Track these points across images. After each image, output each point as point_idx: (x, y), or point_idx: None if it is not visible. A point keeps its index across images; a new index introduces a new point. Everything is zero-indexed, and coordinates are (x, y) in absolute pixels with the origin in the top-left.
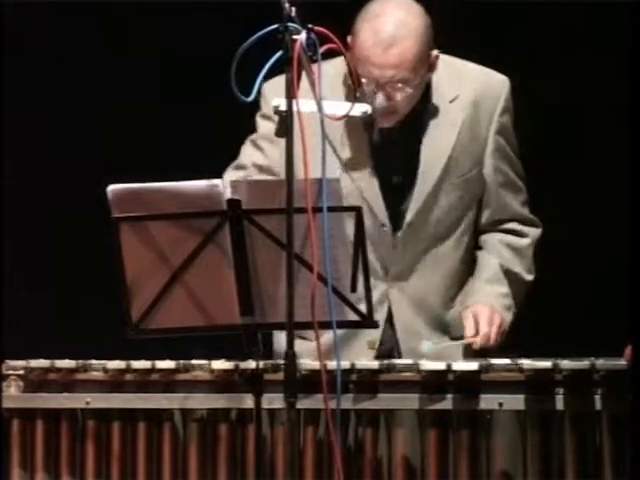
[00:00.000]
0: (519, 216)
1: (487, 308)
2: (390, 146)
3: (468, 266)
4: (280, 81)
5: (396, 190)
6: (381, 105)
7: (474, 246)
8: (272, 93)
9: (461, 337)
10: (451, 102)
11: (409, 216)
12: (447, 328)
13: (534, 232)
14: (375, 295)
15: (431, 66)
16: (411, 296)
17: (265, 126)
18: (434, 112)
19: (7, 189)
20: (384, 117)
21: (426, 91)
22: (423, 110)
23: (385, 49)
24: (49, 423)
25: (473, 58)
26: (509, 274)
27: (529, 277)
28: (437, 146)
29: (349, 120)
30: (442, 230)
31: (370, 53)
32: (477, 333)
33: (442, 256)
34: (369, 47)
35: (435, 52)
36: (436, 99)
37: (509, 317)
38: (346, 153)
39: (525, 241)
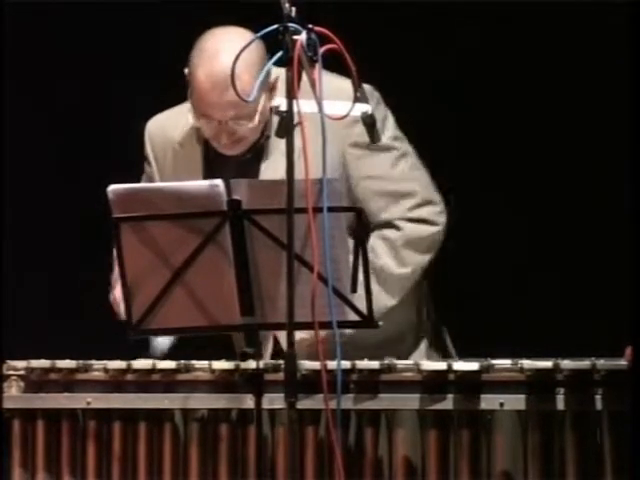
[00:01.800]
0: (400, 219)
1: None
2: (223, 165)
3: None
4: (154, 122)
5: None
6: (226, 141)
7: None
8: (147, 134)
9: None
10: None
11: None
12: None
13: (417, 228)
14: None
15: (272, 89)
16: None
17: (146, 169)
18: (272, 144)
19: (7, 189)
20: (229, 148)
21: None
22: (261, 142)
23: (223, 90)
24: (50, 423)
25: (472, 59)
26: (373, 267)
27: (400, 270)
28: (277, 173)
29: (188, 133)
30: None
31: (209, 96)
32: None
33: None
34: (207, 90)
35: (274, 77)
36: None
37: None
38: (179, 166)
39: (398, 233)
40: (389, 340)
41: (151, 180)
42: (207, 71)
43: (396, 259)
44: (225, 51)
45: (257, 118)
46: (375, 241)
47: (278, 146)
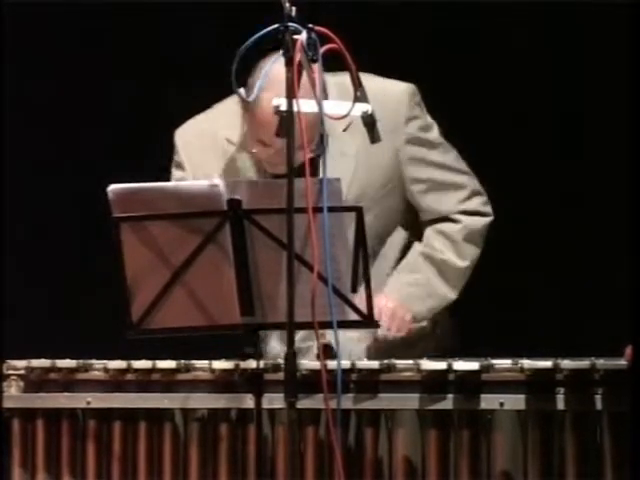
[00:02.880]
0: (455, 213)
1: (381, 299)
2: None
3: None
4: (188, 128)
5: None
6: (282, 166)
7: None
8: (181, 140)
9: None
10: (344, 130)
11: None
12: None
13: (473, 220)
14: None
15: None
16: None
17: (176, 175)
18: (326, 144)
19: (7, 189)
20: (277, 167)
21: None
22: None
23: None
24: (50, 423)
25: (472, 59)
26: (433, 261)
27: (460, 262)
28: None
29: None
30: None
31: (269, 123)
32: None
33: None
34: (272, 120)
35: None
36: (328, 129)
37: (417, 304)
38: (230, 163)
39: (457, 226)
40: (424, 336)
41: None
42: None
43: (457, 253)
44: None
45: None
46: (432, 235)
47: (330, 148)
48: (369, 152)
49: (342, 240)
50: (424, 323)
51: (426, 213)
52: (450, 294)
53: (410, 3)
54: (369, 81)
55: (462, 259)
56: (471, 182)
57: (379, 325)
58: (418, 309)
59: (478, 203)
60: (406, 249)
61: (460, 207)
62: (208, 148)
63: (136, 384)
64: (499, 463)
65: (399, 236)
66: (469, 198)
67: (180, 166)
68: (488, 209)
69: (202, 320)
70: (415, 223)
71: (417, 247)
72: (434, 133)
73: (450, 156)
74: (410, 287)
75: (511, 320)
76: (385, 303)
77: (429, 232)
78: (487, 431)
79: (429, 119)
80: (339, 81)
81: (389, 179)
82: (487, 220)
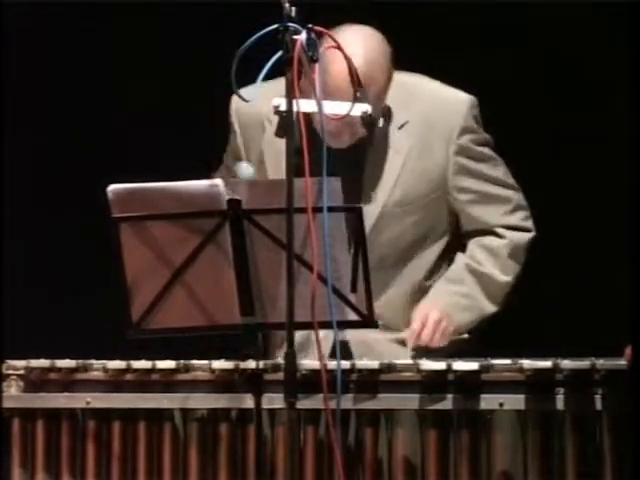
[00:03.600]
0: (499, 226)
1: (427, 307)
2: (329, 168)
3: (437, 277)
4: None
5: None
6: (347, 137)
7: (447, 258)
8: (234, 105)
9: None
10: (400, 128)
11: None
12: (403, 340)
13: (517, 235)
14: None
15: (388, 88)
16: None
17: (231, 140)
18: (378, 138)
19: (7, 189)
20: (336, 138)
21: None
22: (367, 135)
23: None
24: (49, 423)
25: (472, 59)
26: (476, 274)
27: (503, 277)
28: (380, 175)
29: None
30: (393, 254)
31: (340, 88)
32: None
33: (397, 277)
34: (340, 82)
35: (392, 73)
36: (384, 124)
37: (461, 316)
38: (269, 143)
39: (502, 241)
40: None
41: (235, 152)
42: (343, 67)
43: (500, 268)
44: (360, 46)
45: (376, 112)
46: (476, 248)
47: (382, 140)
48: (421, 155)
49: (342, 240)
50: (465, 335)
51: (470, 222)
52: (490, 308)
53: (410, 3)
54: (429, 85)
55: (505, 274)
56: (516, 196)
57: (378, 325)
58: (462, 320)
59: (520, 218)
60: (440, 260)
61: (503, 220)
62: (254, 121)
63: (136, 384)
64: (499, 463)
65: (435, 247)
66: (512, 212)
67: (233, 131)
68: (530, 224)
69: (202, 320)
70: (453, 237)
71: (462, 259)
72: (486, 148)
73: (498, 170)
74: (455, 297)
75: (511, 320)
76: (430, 312)
77: (473, 245)
78: (487, 431)
79: (484, 133)
80: (401, 80)
81: (434, 189)
82: (530, 236)
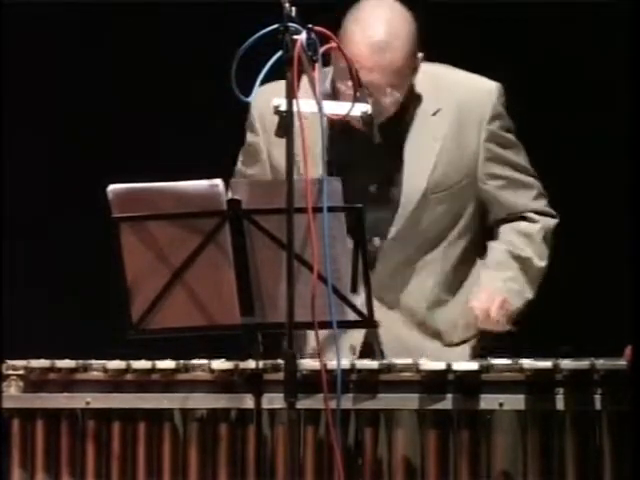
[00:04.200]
0: (529, 211)
1: (488, 289)
2: (369, 156)
3: (463, 269)
4: (268, 89)
5: (374, 201)
6: (378, 84)
7: (476, 250)
8: (259, 102)
9: (455, 344)
10: (433, 115)
11: (393, 231)
12: (437, 333)
13: (546, 220)
14: None
15: (415, 69)
16: (392, 303)
17: (248, 139)
18: (415, 125)
19: (7, 189)
20: (377, 105)
21: (406, 99)
22: (402, 121)
23: (376, 52)
24: (49, 423)
25: (472, 57)
26: (519, 259)
27: (541, 263)
28: (419, 161)
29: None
30: (426, 241)
31: (361, 55)
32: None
33: (427, 264)
34: (360, 49)
35: (420, 55)
36: (417, 111)
37: (516, 300)
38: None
39: (535, 226)
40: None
41: (253, 151)
42: (364, 31)
43: (538, 253)
44: (382, 17)
45: (402, 88)
46: (511, 234)
47: (419, 127)
48: (457, 140)
49: (342, 240)
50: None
51: (501, 209)
52: (530, 293)
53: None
54: (456, 73)
55: (541, 260)
56: (537, 183)
57: (378, 325)
58: (516, 305)
59: (544, 203)
60: (466, 251)
61: (532, 205)
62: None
63: (135, 384)
64: (498, 463)
65: (460, 242)
66: (537, 198)
67: (253, 130)
68: (552, 211)
69: (202, 320)
70: (476, 235)
71: (500, 246)
72: (511, 134)
73: (522, 157)
74: (508, 282)
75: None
76: (494, 294)
77: (509, 231)
78: (487, 431)
79: (509, 120)
80: (429, 70)
81: (466, 174)
82: (556, 221)
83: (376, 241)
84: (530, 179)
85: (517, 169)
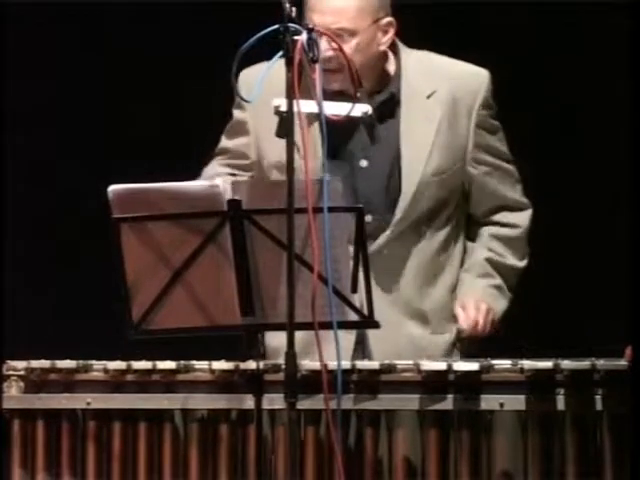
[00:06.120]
0: (509, 201)
1: (473, 298)
2: (368, 138)
3: (450, 255)
4: (256, 69)
5: (365, 177)
6: (324, 54)
7: (459, 235)
8: (247, 80)
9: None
10: (428, 97)
11: (398, 215)
12: (425, 318)
13: (524, 218)
14: None
15: (384, 31)
16: (382, 287)
17: (236, 114)
18: (410, 107)
19: (7, 189)
20: (331, 75)
21: (396, 81)
22: (397, 103)
23: None
24: (50, 423)
25: (472, 59)
26: (499, 266)
27: (521, 264)
28: (416, 143)
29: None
30: (417, 226)
31: (316, 2)
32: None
33: (416, 249)
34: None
35: (389, 19)
36: (411, 93)
37: (499, 306)
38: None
39: (516, 231)
40: None
41: (236, 124)
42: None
43: (518, 256)
44: None
45: (359, 38)
46: (492, 242)
47: (414, 109)
48: (451, 123)
49: (342, 240)
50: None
51: (485, 198)
52: (509, 294)
53: (409, 3)
54: (445, 58)
55: (521, 260)
56: (515, 169)
57: (379, 325)
58: (499, 310)
59: (521, 190)
60: (450, 239)
61: (514, 196)
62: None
63: (136, 385)
64: (499, 464)
65: (444, 229)
66: (516, 185)
67: (240, 106)
68: (526, 199)
69: (202, 321)
70: (458, 224)
71: (481, 252)
72: (497, 121)
73: (504, 144)
74: (489, 289)
75: (511, 320)
76: (478, 302)
77: (489, 238)
78: (487, 432)
79: (495, 106)
80: (418, 55)
81: (458, 158)
82: (531, 212)
83: (368, 218)
84: (510, 166)
85: (502, 157)
